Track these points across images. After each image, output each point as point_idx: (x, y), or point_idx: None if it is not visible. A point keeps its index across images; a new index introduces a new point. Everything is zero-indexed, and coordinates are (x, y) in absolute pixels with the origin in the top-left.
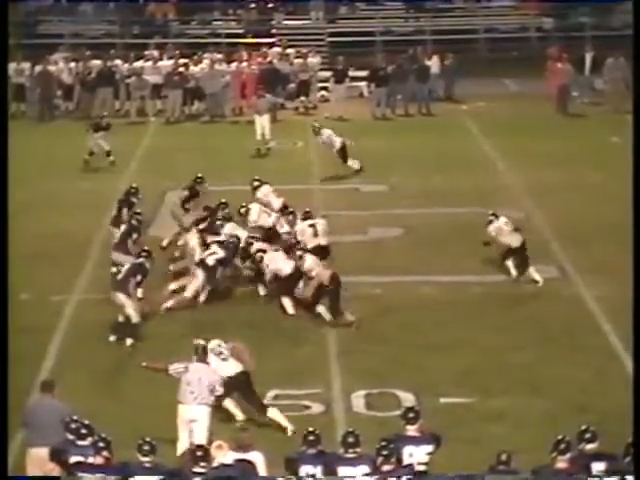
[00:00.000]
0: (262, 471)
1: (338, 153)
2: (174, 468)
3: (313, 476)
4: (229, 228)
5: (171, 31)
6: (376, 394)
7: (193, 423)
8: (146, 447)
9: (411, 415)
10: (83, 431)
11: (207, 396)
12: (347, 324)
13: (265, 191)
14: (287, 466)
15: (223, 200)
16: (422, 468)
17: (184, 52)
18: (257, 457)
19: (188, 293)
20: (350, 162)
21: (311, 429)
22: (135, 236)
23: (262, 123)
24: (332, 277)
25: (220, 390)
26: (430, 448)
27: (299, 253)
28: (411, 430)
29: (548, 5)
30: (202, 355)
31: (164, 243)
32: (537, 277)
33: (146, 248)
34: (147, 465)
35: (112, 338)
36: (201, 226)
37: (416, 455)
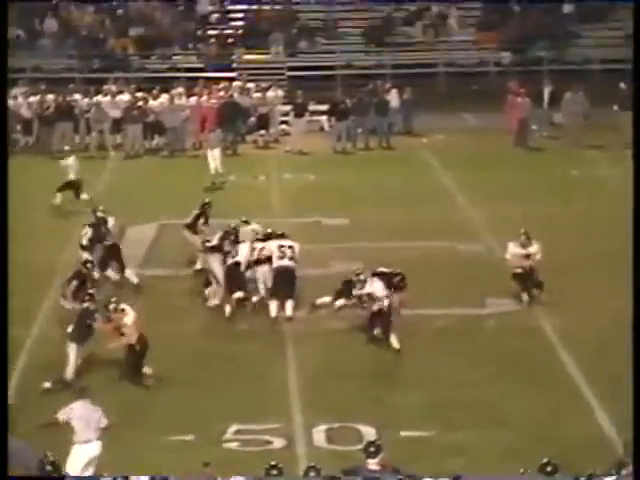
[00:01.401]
0: None
1: None
2: None
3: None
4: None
5: (131, 65)
6: (337, 428)
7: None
8: None
9: (372, 449)
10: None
11: (95, 430)
12: None
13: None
14: None
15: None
16: None
17: (144, 86)
18: None
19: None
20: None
21: (273, 463)
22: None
23: (214, 157)
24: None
25: (104, 422)
26: None
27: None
28: (372, 464)
29: (506, 39)
30: None
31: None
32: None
33: (90, 292)
34: None
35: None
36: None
37: None
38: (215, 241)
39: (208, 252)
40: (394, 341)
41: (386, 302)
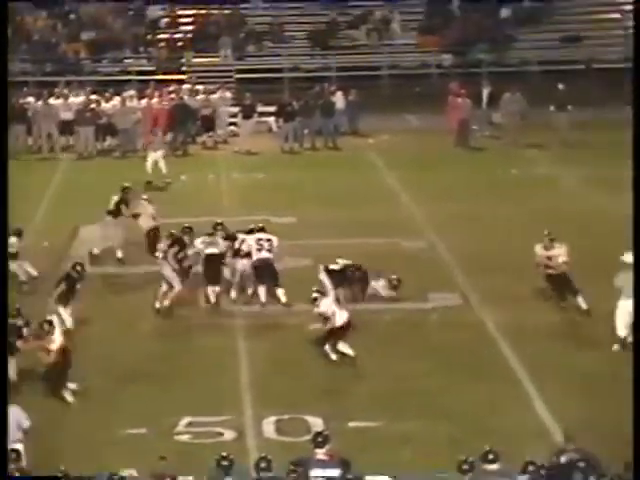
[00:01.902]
0: None
1: None
2: None
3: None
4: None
5: (83, 69)
6: (286, 420)
7: None
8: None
9: (319, 440)
10: None
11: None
12: None
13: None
14: None
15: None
16: None
17: (96, 89)
18: None
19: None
20: None
21: (224, 454)
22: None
23: (155, 158)
24: None
25: (26, 423)
26: (337, 472)
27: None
28: (320, 454)
29: (447, 43)
30: None
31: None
32: (583, 305)
33: (17, 306)
34: None
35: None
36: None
37: (323, 478)
38: (163, 248)
39: (160, 259)
40: (346, 349)
41: (338, 318)
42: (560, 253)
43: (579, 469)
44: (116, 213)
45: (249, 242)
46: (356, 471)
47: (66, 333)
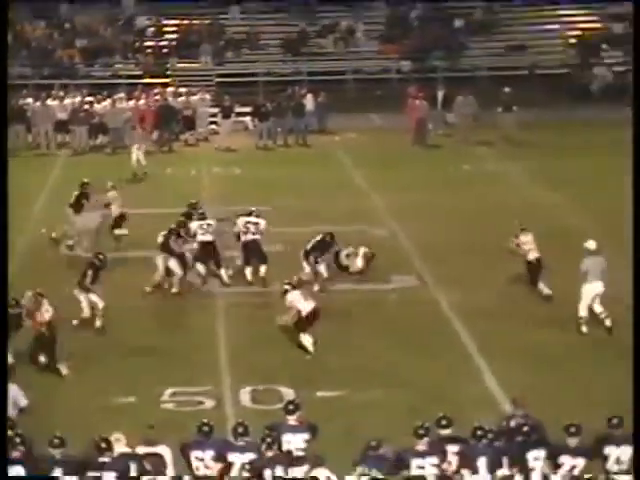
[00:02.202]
0: (170, 463)
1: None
2: (82, 459)
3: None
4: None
5: (77, 73)
6: (261, 390)
7: None
8: (56, 441)
9: (291, 407)
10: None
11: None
12: None
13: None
14: (181, 451)
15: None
16: (300, 454)
17: (90, 92)
18: (165, 450)
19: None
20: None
21: (205, 420)
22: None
23: (137, 153)
24: None
25: (23, 401)
26: (306, 436)
27: None
28: (291, 420)
29: (406, 50)
30: None
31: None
32: (546, 291)
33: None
34: (58, 457)
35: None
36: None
37: (293, 442)
38: (160, 239)
39: (160, 250)
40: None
41: (304, 309)
42: (527, 241)
43: (525, 432)
44: (77, 207)
45: (239, 224)
46: (323, 436)
47: (94, 315)
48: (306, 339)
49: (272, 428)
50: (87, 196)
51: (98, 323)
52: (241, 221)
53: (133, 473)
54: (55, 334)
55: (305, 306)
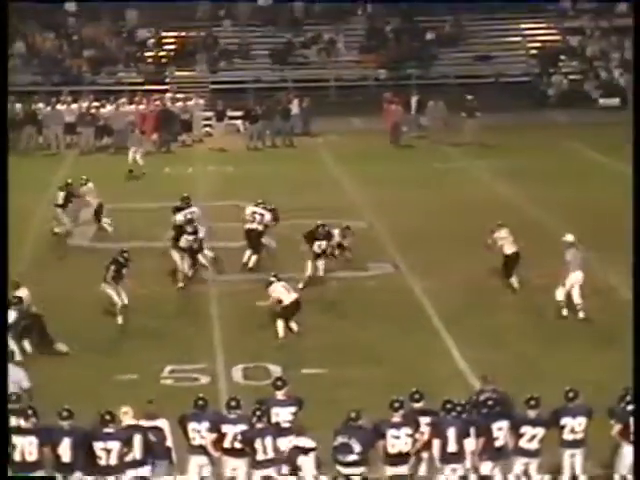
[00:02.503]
0: (169, 435)
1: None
2: (89, 430)
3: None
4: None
5: (84, 80)
6: (251, 367)
7: None
8: (65, 413)
9: (279, 383)
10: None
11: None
12: None
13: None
14: (179, 422)
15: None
16: (287, 425)
17: (95, 97)
18: (164, 423)
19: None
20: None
21: (200, 395)
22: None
23: (134, 153)
24: None
25: (26, 384)
26: (293, 409)
27: None
28: (279, 395)
29: (383, 60)
30: None
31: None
32: (516, 285)
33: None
34: (67, 428)
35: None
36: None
37: (282, 415)
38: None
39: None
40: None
41: (288, 297)
42: (502, 236)
43: (490, 406)
44: (65, 205)
45: (246, 213)
46: (307, 409)
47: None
48: (280, 325)
49: (262, 402)
50: (72, 195)
51: (120, 320)
52: (249, 210)
53: (137, 443)
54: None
55: (287, 297)
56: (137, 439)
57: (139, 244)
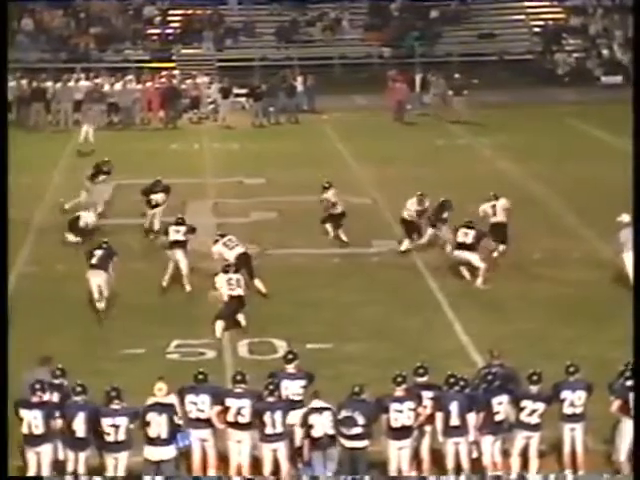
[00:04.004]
0: (179, 409)
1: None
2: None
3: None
4: None
5: (91, 58)
6: (257, 342)
7: None
8: (113, 393)
9: (290, 357)
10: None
11: None
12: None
13: None
14: (178, 394)
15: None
16: (297, 398)
17: (103, 74)
18: (174, 399)
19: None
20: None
21: (200, 369)
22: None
23: (87, 130)
24: None
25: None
26: (303, 382)
27: None
28: (289, 368)
29: (387, 38)
30: None
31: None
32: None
33: None
34: (116, 407)
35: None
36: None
37: (290, 388)
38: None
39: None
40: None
41: (229, 292)
42: (491, 207)
43: (490, 381)
44: (94, 178)
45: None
46: (313, 383)
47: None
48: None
49: (273, 376)
50: (105, 171)
51: (100, 305)
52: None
53: (164, 422)
54: None
55: (228, 292)
56: (164, 418)
57: (143, 221)
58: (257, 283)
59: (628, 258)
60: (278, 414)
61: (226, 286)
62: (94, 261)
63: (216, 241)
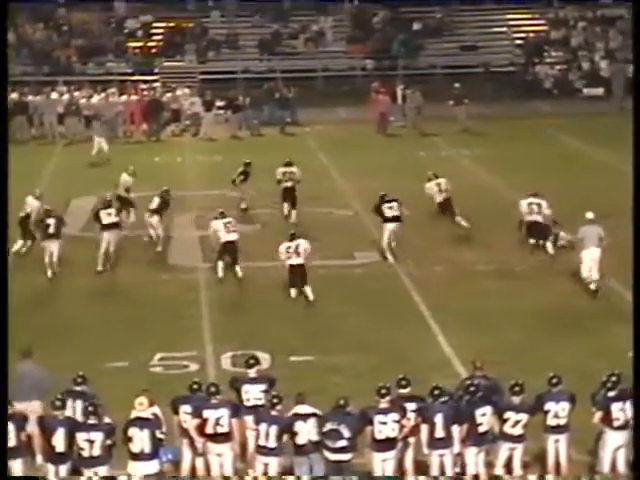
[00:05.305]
0: (162, 419)
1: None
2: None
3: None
4: None
5: (74, 71)
6: (240, 355)
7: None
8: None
9: (251, 362)
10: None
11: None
12: None
13: None
14: (172, 405)
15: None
16: (259, 403)
17: (84, 87)
18: (157, 410)
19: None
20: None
21: (195, 379)
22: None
23: (100, 142)
24: None
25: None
26: (263, 387)
27: None
28: (251, 373)
29: (370, 50)
30: None
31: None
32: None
33: None
34: (92, 422)
35: None
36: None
37: (251, 392)
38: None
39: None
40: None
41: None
42: (434, 186)
43: (473, 392)
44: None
45: (278, 173)
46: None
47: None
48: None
49: (235, 380)
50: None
51: (49, 273)
52: (280, 171)
53: (146, 437)
54: None
55: (226, 236)
56: (145, 433)
57: (127, 232)
58: (237, 269)
59: (587, 254)
60: (273, 428)
61: (223, 229)
62: (51, 230)
63: (216, 218)
